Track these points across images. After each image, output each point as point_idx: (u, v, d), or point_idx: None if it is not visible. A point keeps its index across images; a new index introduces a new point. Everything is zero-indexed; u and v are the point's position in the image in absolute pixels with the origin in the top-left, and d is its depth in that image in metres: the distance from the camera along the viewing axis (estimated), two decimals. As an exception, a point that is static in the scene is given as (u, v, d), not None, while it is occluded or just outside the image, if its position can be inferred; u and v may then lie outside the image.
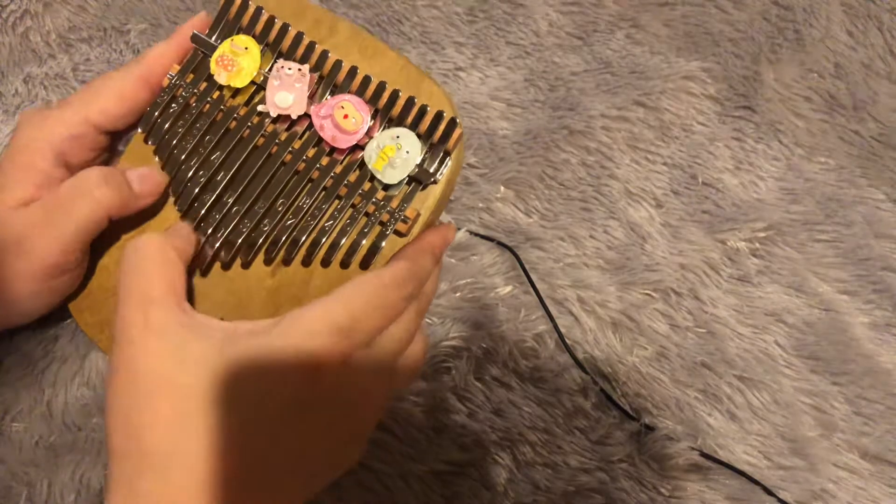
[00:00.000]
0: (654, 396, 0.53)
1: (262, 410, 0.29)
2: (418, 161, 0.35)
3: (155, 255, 0.31)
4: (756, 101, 0.66)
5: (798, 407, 0.54)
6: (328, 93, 0.37)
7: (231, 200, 0.36)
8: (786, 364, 0.55)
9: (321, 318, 0.30)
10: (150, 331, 0.29)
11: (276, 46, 0.37)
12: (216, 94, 0.37)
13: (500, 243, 0.57)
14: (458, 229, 0.58)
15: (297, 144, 0.36)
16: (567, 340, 0.54)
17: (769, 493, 0.50)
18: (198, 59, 0.38)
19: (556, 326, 0.54)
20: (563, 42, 0.69)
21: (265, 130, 0.36)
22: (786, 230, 0.61)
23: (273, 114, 0.36)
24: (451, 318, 0.54)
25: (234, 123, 0.37)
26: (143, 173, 0.36)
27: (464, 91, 0.65)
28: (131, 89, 0.37)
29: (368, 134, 0.36)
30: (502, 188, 0.60)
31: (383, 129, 0.36)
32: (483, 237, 0.58)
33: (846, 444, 0.53)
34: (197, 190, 0.36)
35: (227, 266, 0.36)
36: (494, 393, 0.52)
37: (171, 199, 0.38)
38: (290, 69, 0.36)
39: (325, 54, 0.37)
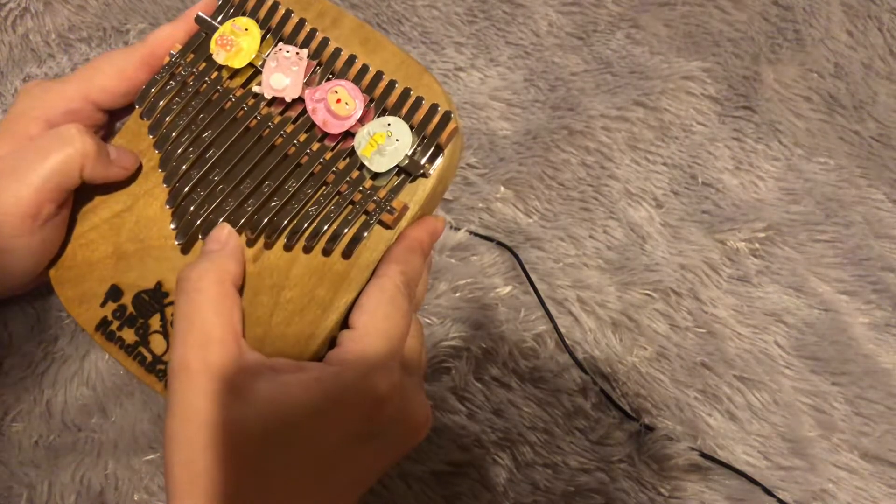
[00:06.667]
0: (653, 396, 0.53)
1: (326, 447, 0.30)
2: (409, 152, 0.35)
3: (213, 290, 0.31)
4: (756, 101, 0.66)
5: (798, 407, 0.54)
6: (324, 80, 0.37)
7: (217, 179, 0.36)
8: (785, 364, 0.55)
9: (373, 359, 0.30)
10: (210, 373, 0.29)
11: (277, 32, 0.38)
12: (214, 75, 0.38)
13: (499, 243, 0.57)
14: (458, 229, 0.58)
15: (289, 128, 0.36)
16: (567, 340, 0.54)
17: (769, 493, 0.50)
18: (199, 40, 0.38)
19: (555, 326, 0.54)
20: (563, 42, 0.69)
21: (259, 113, 0.36)
22: (785, 230, 0.61)
23: (268, 95, 0.36)
24: (450, 318, 0.54)
25: (228, 104, 0.37)
26: (120, 148, 0.37)
27: (464, 91, 0.65)
28: (133, 69, 0.38)
29: (361, 122, 0.35)
30: (502, 188, 0.60)
31: (377, 118, 0.36)
32: (483, 237, 0.58)
33: (846, 445, 0.53)
34: (185, 166, 0.36)
35: None
36: (494, 393, 0.52)
37: (157, 168, 0.38)
38: (288, 52, 0.36)
39: (325, 41, 0.37)
